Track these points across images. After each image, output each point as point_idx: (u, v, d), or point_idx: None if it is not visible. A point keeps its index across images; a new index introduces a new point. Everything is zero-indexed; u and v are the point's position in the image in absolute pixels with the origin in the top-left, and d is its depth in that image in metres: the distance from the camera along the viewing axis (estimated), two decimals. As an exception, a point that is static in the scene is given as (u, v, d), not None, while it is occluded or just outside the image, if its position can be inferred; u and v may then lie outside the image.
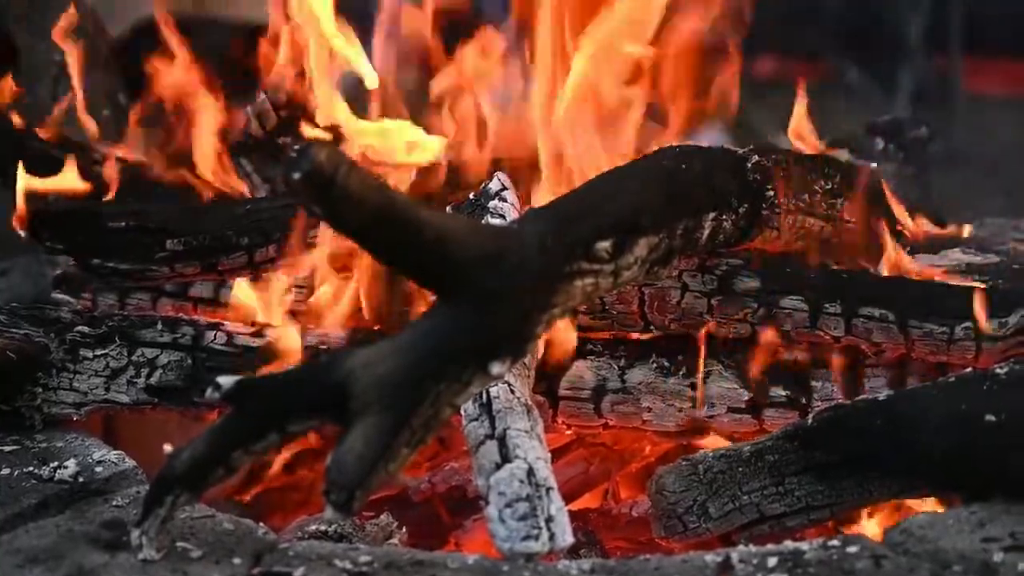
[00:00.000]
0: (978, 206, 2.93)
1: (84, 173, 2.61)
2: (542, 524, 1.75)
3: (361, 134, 2.67)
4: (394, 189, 1.69)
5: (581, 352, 2.33)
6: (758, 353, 2.27)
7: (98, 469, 2.18)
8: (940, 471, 2.01)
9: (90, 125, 2.87)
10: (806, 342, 2.30)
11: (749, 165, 2.25)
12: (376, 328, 2.43)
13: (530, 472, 1.81)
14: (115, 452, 2.24)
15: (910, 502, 2.12)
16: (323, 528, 2.18)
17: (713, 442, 2.31)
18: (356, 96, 2.78)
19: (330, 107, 2.69)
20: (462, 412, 1.98)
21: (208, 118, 2.82)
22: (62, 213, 2.47)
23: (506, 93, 2.80)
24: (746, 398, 2.27)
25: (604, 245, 1.86)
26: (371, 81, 2.70)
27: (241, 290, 2.50)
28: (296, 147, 2.47)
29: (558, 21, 2.56)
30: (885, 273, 2.42)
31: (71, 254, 2.40)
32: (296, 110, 2.71)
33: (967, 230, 2.85)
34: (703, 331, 2.30)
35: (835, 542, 1.86)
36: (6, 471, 2.17)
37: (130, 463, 2.21)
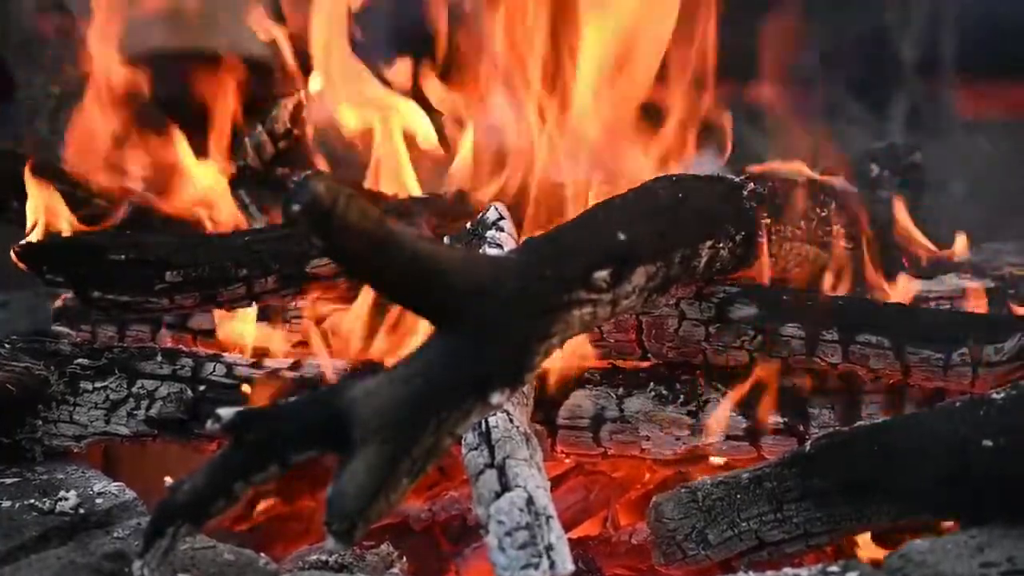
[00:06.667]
0: (973, 231, 2.94)
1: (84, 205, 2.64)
2: (542, 552, 1.75)
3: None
4: (392, 220, 1.70)
5: (579, 381, 2.34)
6: (756, 380, 2.27)
7: (99, 501, 2.18)
8: (938, 496, 2.01)
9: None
10: (803, 369, 2.30)
11: (745, 193, 2.27)
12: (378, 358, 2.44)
13: (530, 501, 1.81)
14: (116, 484, 2.25)
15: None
16: (324, 558, 2.19)
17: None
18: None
19: None
20: (462, 441, 1.98)
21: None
22: (61, 245, 2.47)
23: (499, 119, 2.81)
24: (744, 425, 2.27)
25: (602, 275, 1.87)
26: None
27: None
28: (295, 178, 2.49)
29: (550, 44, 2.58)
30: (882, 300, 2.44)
31: (71, 286, 2.40)
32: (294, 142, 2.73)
33: (963, 255, 2.86)
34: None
35: (834, 568, 1.87)
36: (7, 503, 2.18)
37: (131, 494, 2.21)
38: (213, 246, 2.47)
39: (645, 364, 2.38)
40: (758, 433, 2.26)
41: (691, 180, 2.24)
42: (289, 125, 2.74)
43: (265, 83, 3.03)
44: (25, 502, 2.18)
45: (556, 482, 2.40)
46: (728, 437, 2.27)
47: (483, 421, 1.95)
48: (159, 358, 2.42)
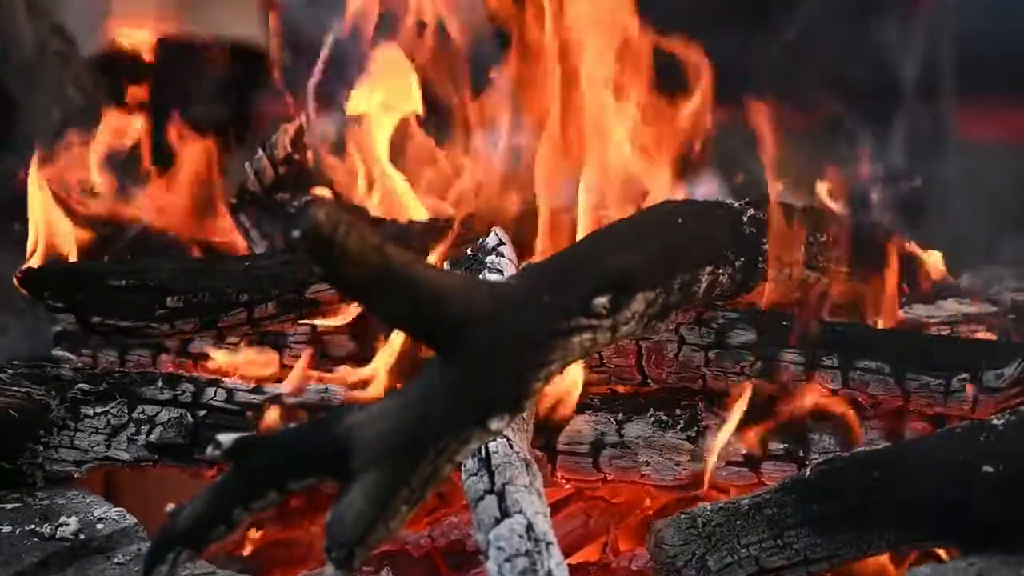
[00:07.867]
0: (973, 254, 2.94)
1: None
2: (542, 578, 1.76)
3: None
4: (393, 247, 1.70)
5: (579, 406, 2.34)
6: (755, 406, 2.27)
7: (99, 526, 2.18)
8: (938, 522, 2.01)
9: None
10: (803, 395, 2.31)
11: (745, 219, 2.27)
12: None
13: (529, 527, 1.81)
14: (116, 509, 2.25)
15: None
16: (323, 584, 2.18)
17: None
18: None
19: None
20: (461, 467, 1.98)
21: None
22: (62, 271, 2.48)
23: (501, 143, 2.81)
24: (744, 451, 2.27)
25: (602, 301, 1.87)
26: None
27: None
28: (295, 204, 2.49)
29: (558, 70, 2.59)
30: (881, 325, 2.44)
31: (71, 312, 2.40)
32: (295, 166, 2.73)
33: (962, 279, 2.86)
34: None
35: (834, 595, 1.87)
36: (8, 529, 2.18)
37: (131, 520, 2.21)
38: (213, 272, 2.47)
39: (645, 389, 2.38)
40: (758, 459, 2.26)
41: (691, 206, 2.24)
42: (289, 150, 2.74)
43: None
44: (26, 527, 2.18)
45: (556, 508, 2.40)
46: (728, 463, 2.27)
47: (483, 447, 1.95)
48: (160, 383, 2.42)
